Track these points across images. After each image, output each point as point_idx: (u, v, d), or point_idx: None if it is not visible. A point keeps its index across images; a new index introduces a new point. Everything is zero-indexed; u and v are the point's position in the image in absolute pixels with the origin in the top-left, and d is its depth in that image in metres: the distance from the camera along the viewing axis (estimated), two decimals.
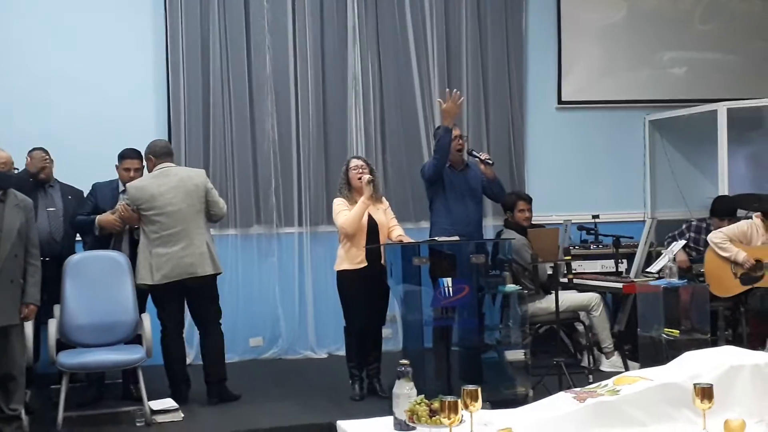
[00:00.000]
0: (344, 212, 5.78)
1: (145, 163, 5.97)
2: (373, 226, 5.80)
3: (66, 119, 6.82)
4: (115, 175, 6.10)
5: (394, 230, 5.92)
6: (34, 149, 6.03)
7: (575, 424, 3.22)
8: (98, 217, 5.85)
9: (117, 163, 6.06)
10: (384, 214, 5.91)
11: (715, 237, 6.18)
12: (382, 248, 5.70)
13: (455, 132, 6.11)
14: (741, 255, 6.06)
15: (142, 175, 6.01)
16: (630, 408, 3.27)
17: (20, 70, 6.85)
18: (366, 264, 5.72)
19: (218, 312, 5.99)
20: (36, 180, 5.93)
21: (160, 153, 5.87)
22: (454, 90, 5.95)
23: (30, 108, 6.75)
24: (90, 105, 6.92)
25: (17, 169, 5.47)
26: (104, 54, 7.01)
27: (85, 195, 6.14)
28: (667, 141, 8.22)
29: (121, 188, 6.01)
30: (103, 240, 5.92)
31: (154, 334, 5.65)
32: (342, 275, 5.85)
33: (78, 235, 6.18)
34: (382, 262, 5.71)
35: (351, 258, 5.77)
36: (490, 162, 6.15)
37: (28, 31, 6.89)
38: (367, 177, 5.77)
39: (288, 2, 7.34)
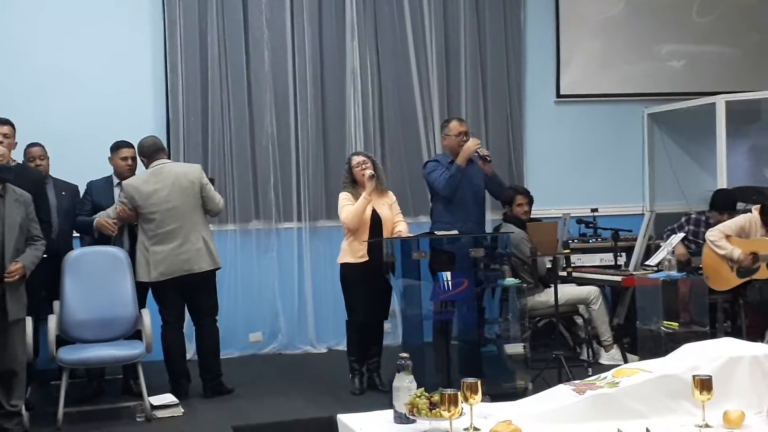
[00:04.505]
0: (348, 207, 5.80)
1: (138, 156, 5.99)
2: (376, 221, 5.81)
3: (63, 115, 6.80)
4: (108, 172, 6.10)
5: (397, 225, 5.93)
6: (32, 145, 6.02)
7: (575, 416, 3.22)
8: (96, 220, 5.85)
9: (110, 155, 6.07)
10: (389, 209, 5.92)
11: (711, 235, 6.17)
12: (383, 242, 5.70)
13: (461, 128, 6.13)
14: (736, 252, 6.03)
15: (136, 164, 6.02)
16: (629, 400, 3.26)
17: (17, 66, 6.83)
18: (368, 258, 5.73)
19: (214, 307, 6.01)
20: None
21: (149, 152, 5.89)
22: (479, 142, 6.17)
23: (27, 103, 6.70)
24: (88, 101, 6.91)
25: (15, 160, 5.46)
26: (102, 50, 7.00)
27: (78, 189, 6.14)
28: (665, 134, 8.22)
29: (116, 182, 6.02)
30: (102, 236, 5.93)
31: (154, 330, 5.66)
32: (344, 268, 5.89)
33: (76, 232, 6.18)
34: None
35: (353, 251, 5.79)
36: (489, 159, 6.15)
37: (24, 26, 6.87)
38: (368, 172, 5.78)
39: None
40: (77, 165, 6.29)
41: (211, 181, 6.11)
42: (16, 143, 5.83)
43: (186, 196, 5.79)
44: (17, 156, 5.85)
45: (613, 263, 7.00)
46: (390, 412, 3.25)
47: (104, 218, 5.84)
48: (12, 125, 5.85)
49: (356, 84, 7.48)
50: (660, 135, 8.23)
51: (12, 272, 4.89)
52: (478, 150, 6.16)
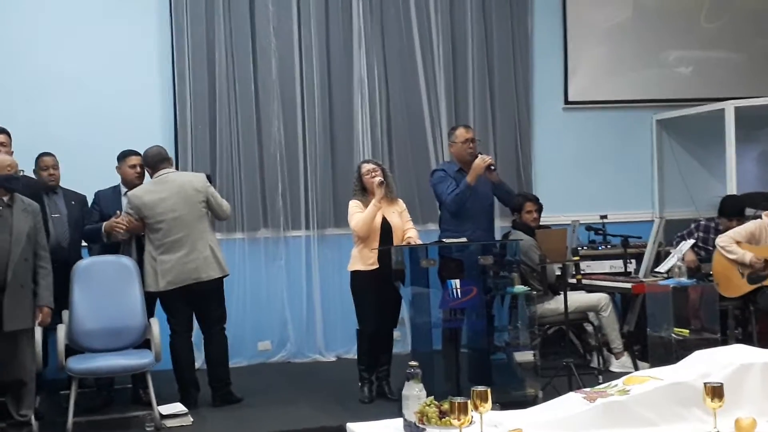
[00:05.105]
0: (357, 214, 5.80)
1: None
2: (387, 229, 5.81)
3: (70, 123, 6.82)
4: (115, 181, 6.11)
5: (407, 232, 5.93)
6: (44, 154, 6.03)
7: (585, 424, 3.20)
8: (104, 225, 5.86)
9: (117, 165, 6.09)
10: (399, 217, 5.92)
11: (721, 241, 6.16)
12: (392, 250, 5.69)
13: (467, 135, 6.13)
14: (748, 256, 6.01)
15: (144, 171, 6.03)
16: (640, 408, 3.25)
17: (23, 73, 6.83)
18: (378, 266, 5.72)
19: (223, 316, 6.00)
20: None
21: (153, 162, 5.89)
22: (489, 157, 6.07)
23: (34, 111, 6.73)
24: (95, 109, 6.92)
25: (23, 171, 5.48)
26: (110, 58, 7.01)
27: (87, 200, 6.15)
28: (674, 140, 8.20)
29: (124, 191, 6.03)
30: (110, 246, 5.93)
31: (163, 339, 5.66)
32: (355, 275, 5.88)
33: (85, 242, 6.19)
34: None
35: (363, 259, 5.79)
36: (493, 167, 6.14)
37: (32, 33, 6.87)
38: (378, 179, 5.78)
39: (293, 6, 7.35)
40: (83, 174, 6.30)
41: (208, 177, 6.07)
42: (12, 152, 5.80)
43: (191, 204, 5.79)
44: (27, 165, 5.86)
45: (622, 270, 6.98)
46: (399, 421, 3.23)
47: (112, 220, 5.83)
48: (8, 134, 5.84)
49: (363, 91, 7.48)
50: (669, 141, 8.21)
51: (44, 320, 5.07)
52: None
